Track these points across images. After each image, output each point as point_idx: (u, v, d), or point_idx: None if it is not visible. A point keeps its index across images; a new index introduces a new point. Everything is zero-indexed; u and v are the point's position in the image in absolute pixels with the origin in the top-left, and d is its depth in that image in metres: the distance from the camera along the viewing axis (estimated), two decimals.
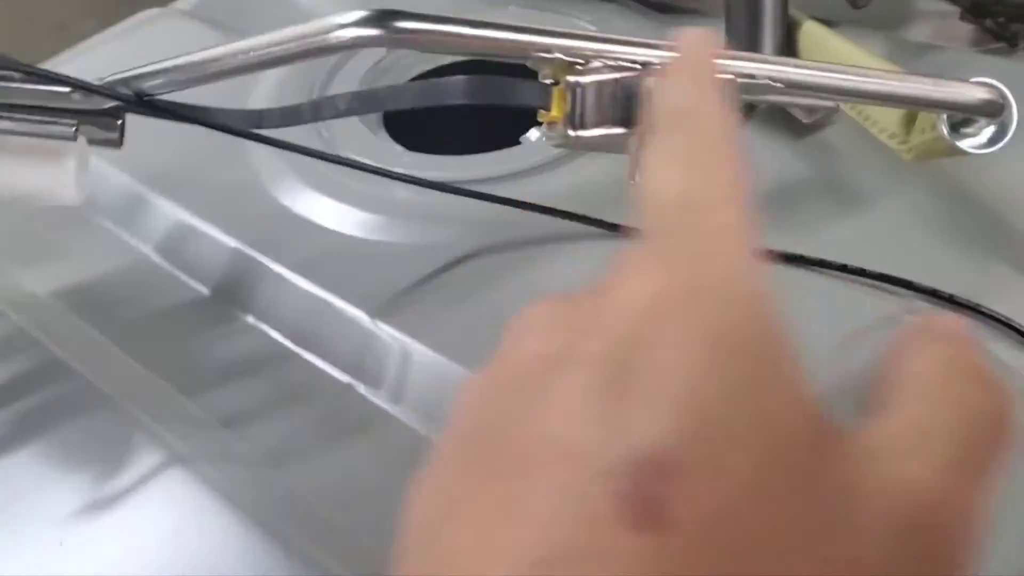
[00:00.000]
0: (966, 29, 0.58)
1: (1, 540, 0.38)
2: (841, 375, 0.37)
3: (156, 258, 0.53)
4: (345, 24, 0.33)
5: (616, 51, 0.33)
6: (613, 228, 0.46)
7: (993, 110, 0.38)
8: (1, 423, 0.43)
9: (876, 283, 0.43)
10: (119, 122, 0.45)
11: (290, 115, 0.41)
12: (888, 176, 0.47)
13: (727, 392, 0.19)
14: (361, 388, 0.44)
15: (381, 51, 0.62)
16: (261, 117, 0.43)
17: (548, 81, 0.35)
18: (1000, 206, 0.46)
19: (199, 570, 0.38)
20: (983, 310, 0.41)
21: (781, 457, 0.19)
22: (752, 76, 0.34)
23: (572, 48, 0.33)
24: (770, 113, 0.51)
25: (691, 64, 0.26)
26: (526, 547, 0.18)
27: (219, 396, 0.44)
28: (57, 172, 0.44)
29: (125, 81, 0.42)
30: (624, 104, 0.33)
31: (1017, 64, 0.57)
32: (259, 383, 0.45)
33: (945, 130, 0.40)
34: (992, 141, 0.40)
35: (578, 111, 0.33)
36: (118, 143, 0.46)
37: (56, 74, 0.41)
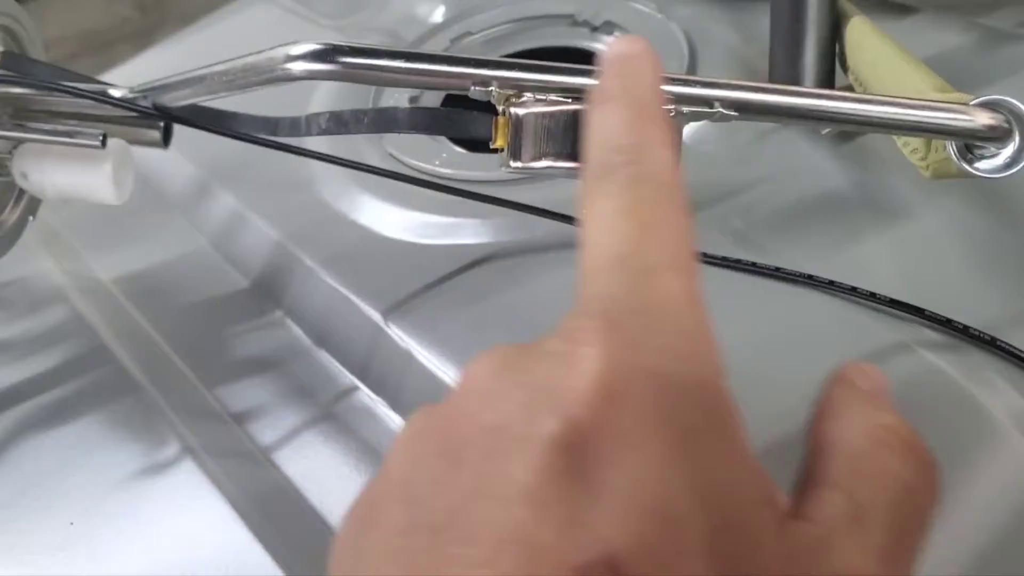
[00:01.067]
0: None
1: (15, 518, 0.42)
2: None
3: (210, 248, 0.56)
4: (294, 56, 0.34)
5: (554, 81, 0.32)
6: None
7: (998, 135, 0.35)
8: (39, 406, 0.47)
9: (887, 308, 0.40)
10: (162, 125, 0.48)
11: (293, 127, 0.42)
12: (918, 192, 0.43)
13: (684, 494, 0.19)
14: (364, 391, 0.45)
15: (444, 43, 0.62)
16: (276, 125, 0.45)
17: (500, 109, 0.34)
18: None
19: (193, 564, 0.40)
20: (999, 344, 0.38)
21: (737, 562, 0.19)
22: (709, 104, 0.33)
23: (508, 79, 0.32)
24: None
25: (627, 90, 0.25)
26: None
27: (235, 390, 0.47)
28: (96, 175, 0.47)
29: (152, 91, 0.44)
30: (562, 137, 0.32)
31: None
32: (273, 379, 0.47)
33: (953, 153, 0.37)
34: (1008, 165, 0.36)
35: (516, 143, 0.33)
36: (162, 145, 0.49)
37: (76, 89, 0.44)
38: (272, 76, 0.35)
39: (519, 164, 0.33)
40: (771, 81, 0.49)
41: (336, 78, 0.33)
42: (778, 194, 0.47)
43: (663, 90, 0.25)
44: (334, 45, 0.33)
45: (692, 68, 0.56)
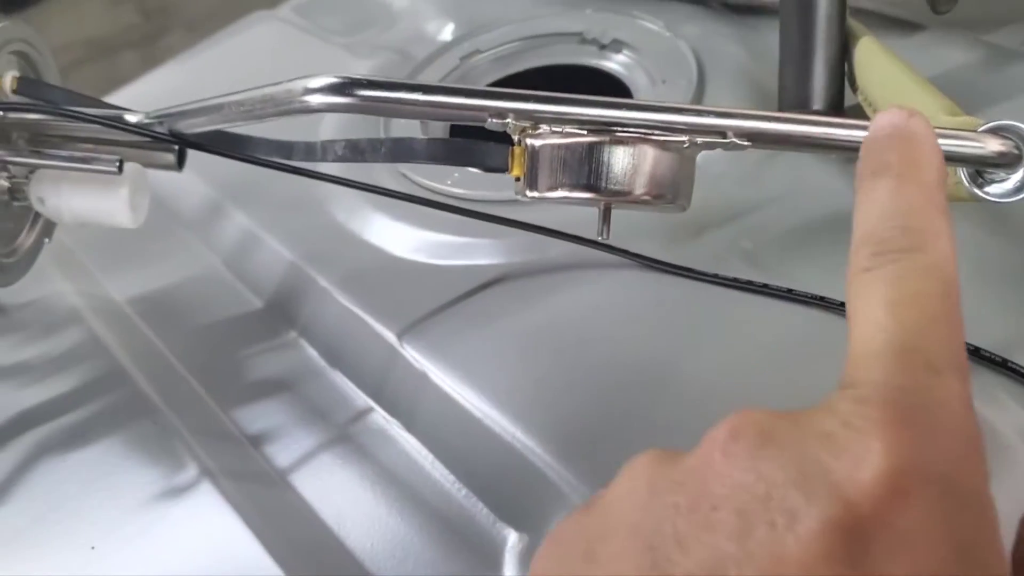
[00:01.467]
0: None
1: (37, 542, 0.42)
2: None
3: (223, 269, 0.56)
4: (312, 89, 0.34)
5: (570, 113, 0.33)
6: (640, 258, 0.46)
7: (1008, 161, 0.35)
8: (58, 428, 0.47)
9: None
10: (176, 148, 0.48)
11: (308, 152, 0.42)
12: None
13: None
14: (379, 412, 0.46)
15: (453, 61, 0.63)
16: (291, 150, 0.45)
17: (516, 139, 0.35)
18: None
19: None
20: (1011, 365, 0.38)
21: None
22: (722, 134, 0.33)
23: (524, 111, 0.33)
24: None
25: (914, 170, 0.25)
26: None
27: (250, 411, 0.47)
28: (112, 199, 0.48)
29: (168, 117, 0.45)
30: (577, 168, 0.33)
31: None
32: (288, 400, 0.47)
33: (964, 177, 0.37)
34: (1018, 190, 0.36)
35: (532, 173, 0.33)
36: (177, 168, 0.49)
37: (93, 116, 0.44)
38: (290, 108, 0.35)
39: (535, 194, 0.33)
40: (780, 100, 0.50)
41: (354, 110, 0.34)
42: (788, 214, 0.47)
43: None
44: (352, 79, 0.33)
45: (701, 86, 0.56)
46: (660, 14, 0.61)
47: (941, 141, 0.36)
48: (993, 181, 0.37)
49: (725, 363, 0.41)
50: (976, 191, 0.37)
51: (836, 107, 0.48)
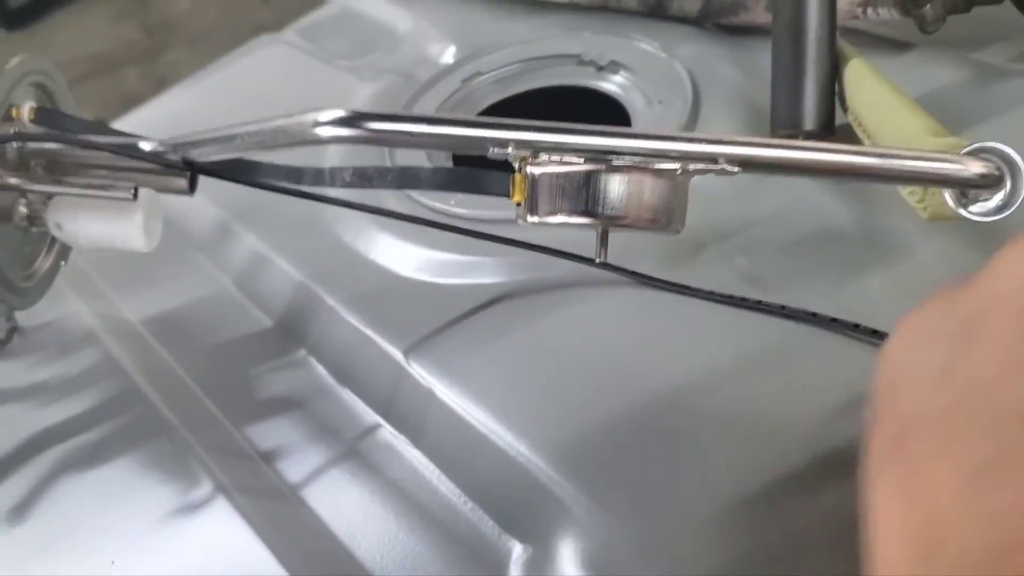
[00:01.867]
0: None
1: (58, 557, 0.44)
2: (839, 440, 0.38)
3: (233, 289, 0.58)
4: (322, 123, 0.36)
5: (568, 143, 0.34)
6: (639, 276, 0.47)
7: (990, 182, 0.37)
8: (76, 446, 0.49)
9: None
10: (188, 173, 0.50)
11: (317, 177, 0.44)
12: (918, 229, 0.45)
13: None
14: (386, 428, 0.47)
15: (455, 84, 0.64)
16: (300, 175, 0.47)
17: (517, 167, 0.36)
18: None
19: None
20: None
21: None
22: (713, 160, 0.34)
23: (525, 141, 0.34)
24: None
25: None
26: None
27: (262, 428, 0.49)
28: (127, 224, 0.49)
29: (181, 146, 0.47)
30: (575, 195, 0.34)
31: None
32: (299, 417, 0.49)
33: (949, 198, 0.39)
34: (1000, 209, 0.38)
35: (532, 199, 0.35)
36: (189, 192, 0.51)
37: (109, 145, 0.46)
38: (301, 139, 0.37)
39: (535, 219, 0.35)
40: (773, 121, 0.51)
41: (361, 142, 0.35)
42: (780, 232, 0.48)
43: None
44: (360, 112, 0.35)
45: (696, 106, 0.58)
46: (656, 35, 0.63)
47: (924, 164, 0.38)
48: (977, 200, 0.39)
49: (722, 376, 0.42)
50: (960, 211, 0.38)
51: (827, 127, 0.50)
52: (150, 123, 0.71)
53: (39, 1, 2.72)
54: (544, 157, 0.35)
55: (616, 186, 0.35)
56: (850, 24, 0.58)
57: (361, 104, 0.65)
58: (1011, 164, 0.37)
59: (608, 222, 0.35)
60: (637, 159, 0.35)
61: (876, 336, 0.42)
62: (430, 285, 0.52)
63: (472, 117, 0.36)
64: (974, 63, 0.55)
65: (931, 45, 0.57)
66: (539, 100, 0.64)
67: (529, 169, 0.35)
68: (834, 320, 0.43)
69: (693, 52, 0.61)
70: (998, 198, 0.38)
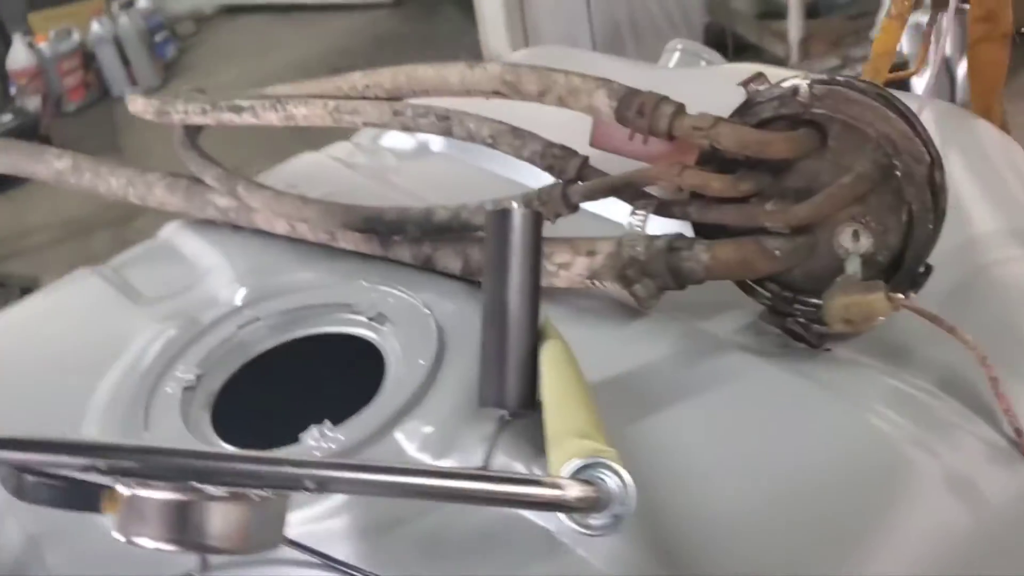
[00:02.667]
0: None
1: None
2: None
3: None
4: None
5: (152, 469, 0.35)
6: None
7: (589, 505, 0.37)
8: None
9: None
10: None
11: None
12: None
13: None
14: None
15: (232, 329, 0.66)
16: None
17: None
18: None
19: None
20: None
21: None
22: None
23: (117, 467, 0.35)
24: None
25: None
26: None
27: None
28: None
29: None
30: (169, 523, 0.35)
31: None
32: None
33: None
34: (605, 528, 0.38)
35: (124, 517, 0.36)
36: None
37: None
38: None
39: (124, 538, 0.36)
40: (480, 398, 0.52)
41: None
42: None
43: None
44: None
45: (440, 354, 0.59)
46: (423, 290, 0.65)
47: (515, 488, 0.38)
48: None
49: None
50: (572, 524, 0.38)
51: (527, 406, 0.50)
52: None
53: None
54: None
55: (201, 514, 0.35)
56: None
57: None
58: (608, 494, 0.37)
59: (196, 550, 0.36)
60: (223, 487, 0.35)
61: None
62: None
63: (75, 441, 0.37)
64: (701, 331, 0.57)
65: (668, 311, 0.58)
66: (308, 347, 0.65)
67: (120, 488, 0.35)
68: None
69: (452, 308, 0.63)
70: (603, 519, 0.38)
